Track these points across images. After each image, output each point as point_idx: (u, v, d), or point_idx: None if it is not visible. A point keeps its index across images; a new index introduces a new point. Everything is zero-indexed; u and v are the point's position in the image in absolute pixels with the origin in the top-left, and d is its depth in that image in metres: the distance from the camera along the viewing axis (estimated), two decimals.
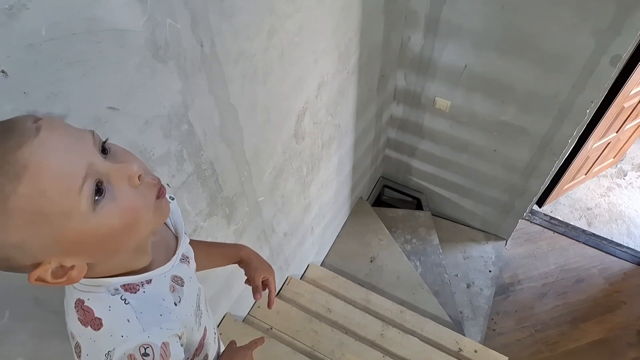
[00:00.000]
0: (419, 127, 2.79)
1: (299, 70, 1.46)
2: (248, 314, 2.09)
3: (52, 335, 0.91)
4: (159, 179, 0.60)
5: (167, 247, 0.75)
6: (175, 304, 0.69)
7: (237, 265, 1.09)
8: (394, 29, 2.18)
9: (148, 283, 0.65)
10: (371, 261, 2.90)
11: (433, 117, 2.66)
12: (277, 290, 2.30)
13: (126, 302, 0.61)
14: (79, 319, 0.61)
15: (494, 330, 2.98)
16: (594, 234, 3.46)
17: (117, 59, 0.77)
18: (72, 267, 0.53)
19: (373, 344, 2.18)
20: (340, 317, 2.29)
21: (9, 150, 0.44)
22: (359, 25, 1.77)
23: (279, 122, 1.50)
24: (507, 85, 2.22)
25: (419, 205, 3.49)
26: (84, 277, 0.58)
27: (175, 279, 0.73)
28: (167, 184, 1.07)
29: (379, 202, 3.68)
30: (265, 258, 1.86)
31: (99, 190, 0.50)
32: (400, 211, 3.37)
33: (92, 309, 0.60)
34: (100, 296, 0.61)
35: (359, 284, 2.61)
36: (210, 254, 1.05)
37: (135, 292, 0.63)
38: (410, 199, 3.52)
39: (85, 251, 0.53)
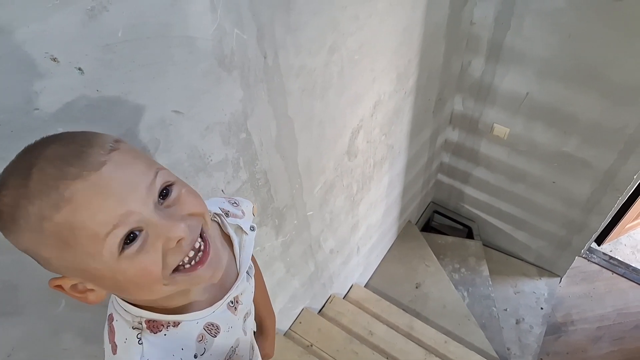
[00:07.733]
0: (474, 153, 2.72)
1: (356, 88, 1.47)
2: (289, 328, 2.07)
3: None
4: (203, 242, 0.55)
5: (222, 286, 0.68)
6: (195, 357, 0.64)
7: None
8: (455, 53, 2.16)
9: (175, 326, 0.61)
10: (416, 287, 2.82)
11: (490, 143, 2.59)
12: (320, 309, 2.28)
13: (140, 342, 0.58)
14: (106, 331, 0.62)
15: None
16: None
17: (186, 64, 0.80)
18: (92, 290, 0.53)
19: None
20: (381, 341, 2.23)
21: (64, 177, 0.44)
22: (420, 47, 1.76)
23: (334, 137, 1.51)
24: (570, 116, 2.13)
25: (469, 234, 3.38)
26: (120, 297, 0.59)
27: (210, 327, 0.66)
28: (222, 190, 1.09)
29: (427, 227, 3.59)
30: (309, 274, 1.90)
31: (130, 238, 0.49)
32: (450, 238, 3.27)
33: (115, 332, 0.60)
34: (124, 324, 0.60)
35: (403, 310, 2.55)
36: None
37: (156, 333, 0.59)
38: (461, 227, 3.42)
39: (104, 286, 0.53)
